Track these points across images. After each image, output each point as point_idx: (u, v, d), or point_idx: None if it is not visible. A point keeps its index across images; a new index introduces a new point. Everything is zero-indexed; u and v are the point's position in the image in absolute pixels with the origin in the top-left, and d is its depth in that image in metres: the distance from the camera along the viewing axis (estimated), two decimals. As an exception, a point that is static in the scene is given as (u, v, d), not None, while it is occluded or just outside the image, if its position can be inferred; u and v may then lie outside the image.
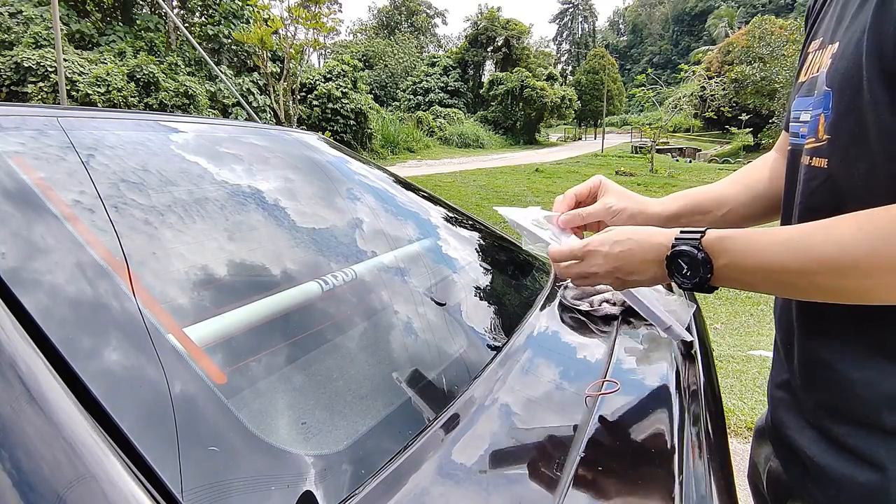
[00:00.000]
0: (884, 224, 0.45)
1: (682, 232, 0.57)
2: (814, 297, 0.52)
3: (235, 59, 16.45)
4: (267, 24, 11.15)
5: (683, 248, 0.55)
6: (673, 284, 1.05)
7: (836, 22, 0.56)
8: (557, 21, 74.19)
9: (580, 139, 37.10)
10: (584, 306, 0.97)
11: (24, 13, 12.72)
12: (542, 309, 0.99)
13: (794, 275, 0.50)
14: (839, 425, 0.55)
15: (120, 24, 14.81)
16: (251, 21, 15.51)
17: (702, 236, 0.55)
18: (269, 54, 11.82)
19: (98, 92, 12.02)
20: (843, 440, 0.54)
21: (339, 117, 17.62)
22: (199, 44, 13.00)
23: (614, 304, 0.97)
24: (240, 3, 16.12)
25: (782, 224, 0.65)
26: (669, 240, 0.58)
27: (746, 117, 24.57)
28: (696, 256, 0.54)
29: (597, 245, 0.62)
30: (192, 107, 13.59)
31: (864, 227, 0.46)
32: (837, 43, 0.54)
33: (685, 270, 0.55)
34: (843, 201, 0.53)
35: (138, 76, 12.85)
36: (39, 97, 11.55)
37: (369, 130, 18.60)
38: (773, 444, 0.68)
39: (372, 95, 22.89)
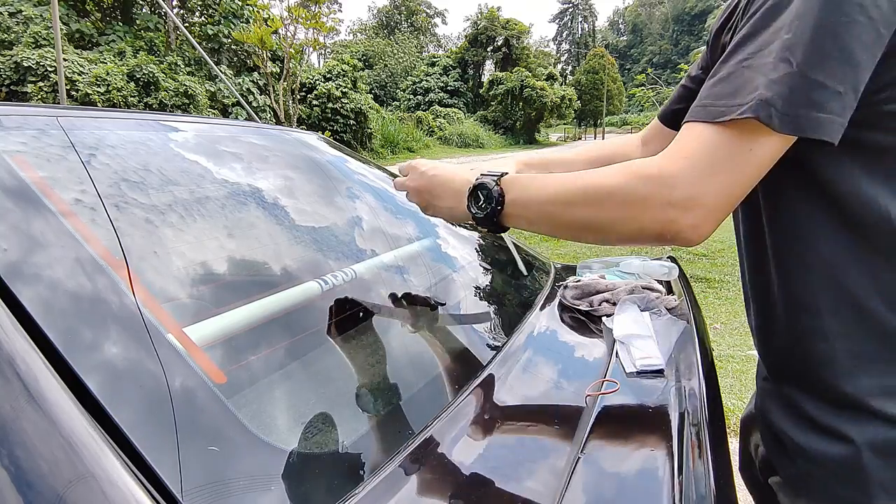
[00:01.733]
0: (637, 167, 0.53)
1: (483, 174, 0.66)
2: (579, 231, 0.59)
3: (235, 58, 16.44)
4: (267, 24, 11.17)
5: (485, 181, 0.64)
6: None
7: None
8: (557, 21, 74.15)
9: (580, 139, 37.06)
10: (584, 306, 0.97)
11: (23, 13, 12.72)
12: (542, 309, 0.99)
13: (562, 206, 0.58)
14: (813, 407, 0.60)
15: (120, 23, 14.81)
16: (251, 21, 15.50)
17: (501, 176, 0.64)
18: (268, 54, 11.83)
19: (98, 92, 12.02)
20: (817, 420, 0.60)
21: (338, 117, 17.62)
22: (199, 43, 12.99)
23: (614, 303, 0.97)
24: (240, 3, 16.11)
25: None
26: (475, 176, 0.67)
27: (746, 117, 24.46)
28: (492, 189, 0.62)
29: (417, 163, 0.76)
30: (192, 107, 13.58)
31: (621, 169, 0.54)
32: None
33: (481, 202, 0.64)
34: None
35: (138, 76, 12.84)
36: (39, 97, 11.55)
37: (369, 130, 18.61)
38: (760, 431, 0.73)
39: (372, 95, 22.88)
